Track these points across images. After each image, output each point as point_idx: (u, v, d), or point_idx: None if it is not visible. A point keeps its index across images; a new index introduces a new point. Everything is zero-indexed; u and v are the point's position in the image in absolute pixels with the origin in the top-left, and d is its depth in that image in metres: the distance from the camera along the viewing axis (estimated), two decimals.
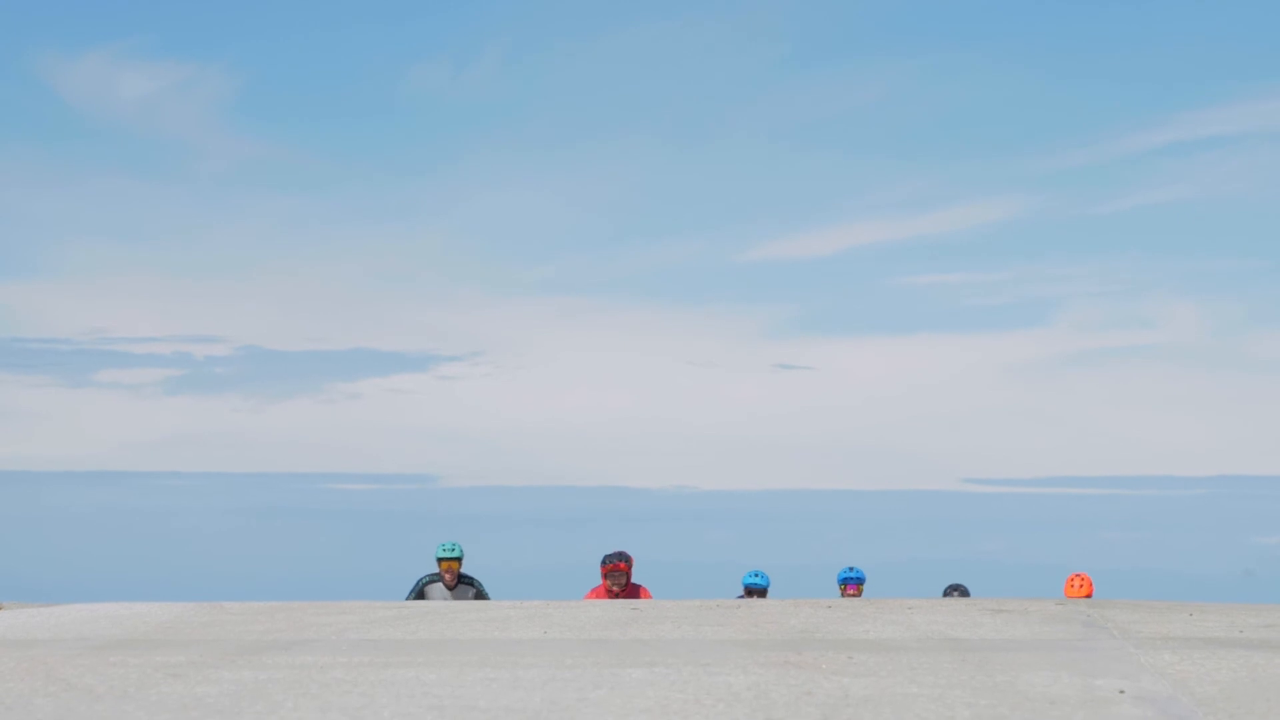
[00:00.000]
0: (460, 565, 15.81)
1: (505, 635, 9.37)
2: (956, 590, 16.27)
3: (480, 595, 15.77)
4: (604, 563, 15.84)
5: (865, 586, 16.52)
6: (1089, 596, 15.39)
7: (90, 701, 6.89)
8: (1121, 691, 6.93)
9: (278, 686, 7.22)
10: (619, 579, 15.65)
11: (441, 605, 12.45)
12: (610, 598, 15.43)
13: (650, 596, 15.56)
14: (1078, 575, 16.23)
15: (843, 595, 16.29)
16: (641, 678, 7.36)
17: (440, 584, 15.79)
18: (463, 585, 15.82)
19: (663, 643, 8.83)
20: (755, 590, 16.09)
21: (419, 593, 15.87)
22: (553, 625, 9.88)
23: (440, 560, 15.86)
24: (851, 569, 16.69)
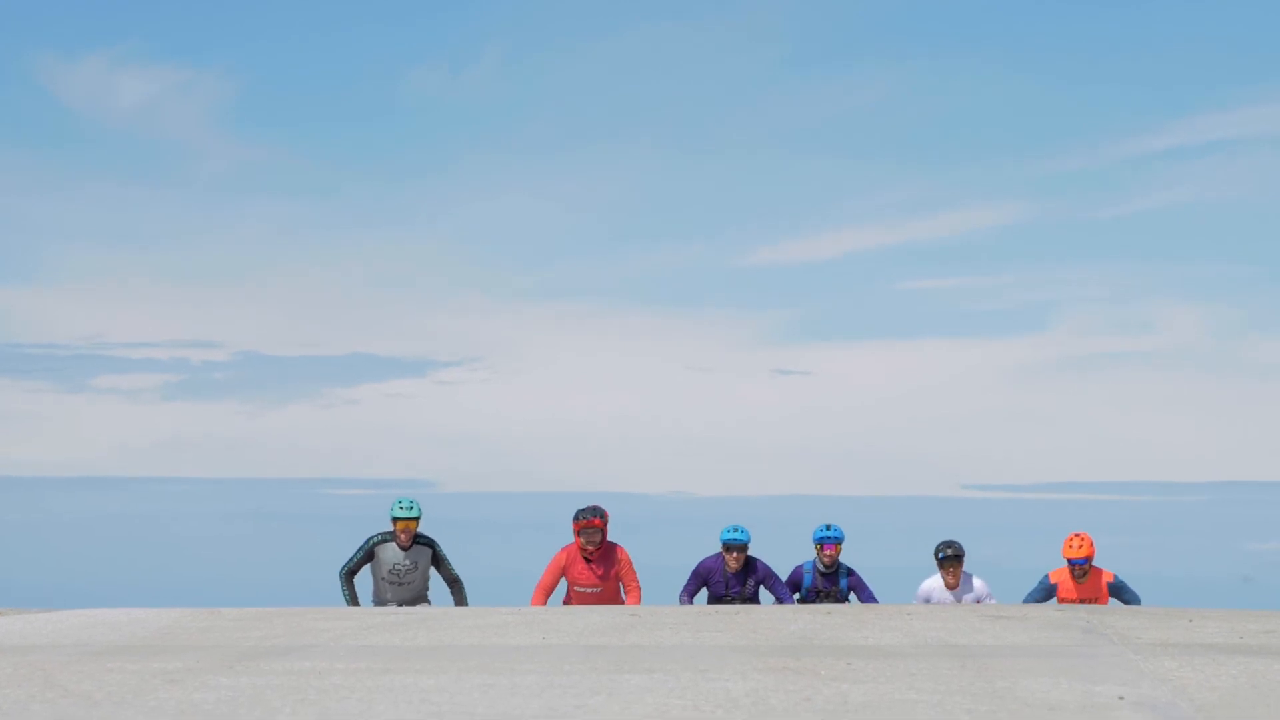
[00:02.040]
0: (418, 525, 14.41)
1: (503, 641, 9.35)
2: (949, 548, 15.02)
3: (438, 557, 14.52)
4: (577, 518, 14.38)
5: (844, 547, 14.94)
6: (1090, 558, 14.66)
7: (88, 708, 6.87)
8: (1121, 698, 6.92)
9: (275, 693, 7.20)
10: (593, 535, 14.30)
11: (439, 611, 12.37)
12: (584, 555, 14.32)
13: (627, 556, 14.51)
14: (1077, 535, 14.92)
15: (819, 555, 14.95)
16: (640, 684, 7.34)
17: (393, 544, 14.40)
18: (419, 546, 14.45)
19: (661, 649, 8.81)
20: (734, 546, 14.64)
21: (368, 553, 14.46)
22: (551, 631, 9.86)
23: (396, 520, 14.41)
24: (829, 527, 15.06)
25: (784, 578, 14.96)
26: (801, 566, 15.08)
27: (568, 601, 14.65)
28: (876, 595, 14.99)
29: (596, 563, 14.40)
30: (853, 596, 15.04)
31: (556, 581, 14.52)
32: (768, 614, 11.10)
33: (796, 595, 15.10)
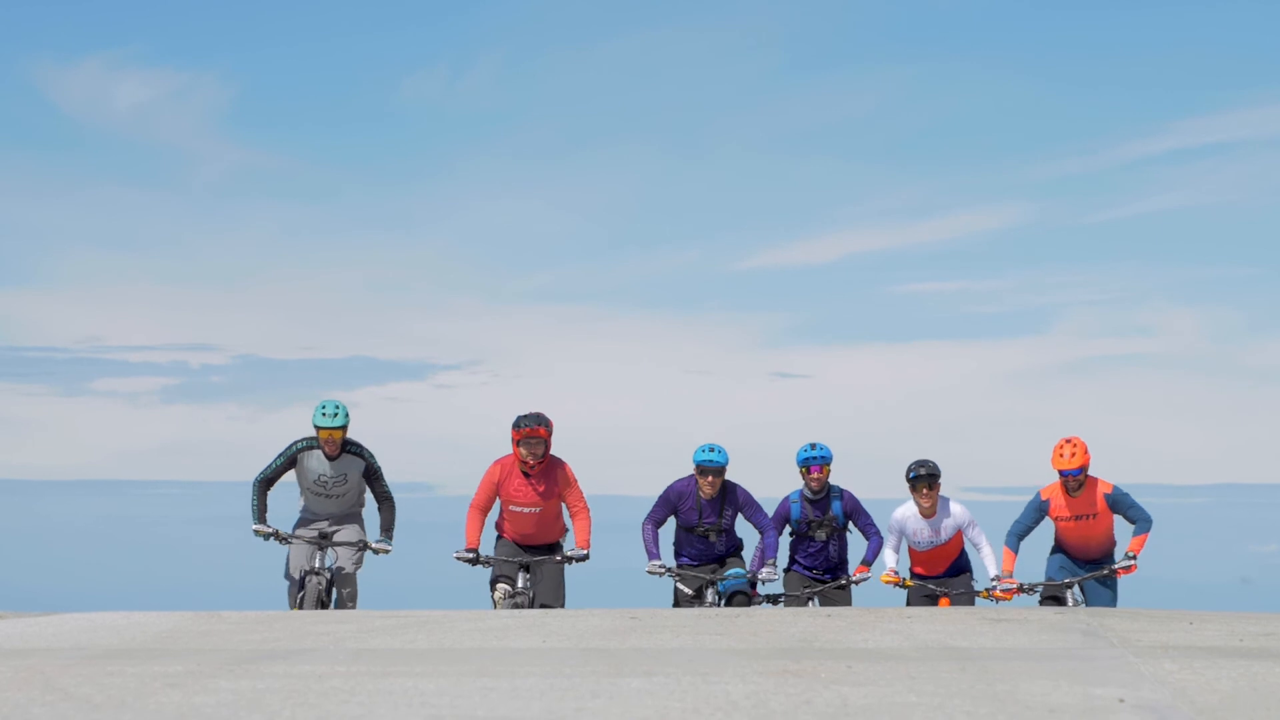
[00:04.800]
0: (344, 434, 13.10)
1: (503, 644, 9.35)
2: (922, 467, 13.51)
3: (371, 469, 13.23)
4: (517, 426, 12.75)
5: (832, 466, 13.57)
6: (1085, 467, 13.23)
7: (88, 711, 6.87)
8: (1121, 700, 6.92)
9: (275, 696, 7.20)
10: (536, 447, 12.76)
11: (439, 615, 12.31)
12: (523, 469, 12.87)
13: (573, 474, 13.02)
14: (1068, 441, 13.27)
15: (805, 479, 13.45)
16: (640, 687, 7.34)
17: (319, 452, 13.12)
18: (348, 455, 13.16)
19: (661, 651, 8.81)
20: (710, 468, 12.97)
21: (290, 460, 13.17)
22: (551, 634, 9.87)
23: (319, 429, 13.07)
24: (814, 446, 13.47)
25: (770, 513, 13.50)
26: (788, 498, 13.66)
27: (500, 523, 13.31)
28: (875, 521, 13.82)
29: (537, 479, 12.96)
30: (855, 541, 13.87)
31: (492, 499, 13.12)
32: (768, 616, 11.11)
33: (788, 530, 13.74)
